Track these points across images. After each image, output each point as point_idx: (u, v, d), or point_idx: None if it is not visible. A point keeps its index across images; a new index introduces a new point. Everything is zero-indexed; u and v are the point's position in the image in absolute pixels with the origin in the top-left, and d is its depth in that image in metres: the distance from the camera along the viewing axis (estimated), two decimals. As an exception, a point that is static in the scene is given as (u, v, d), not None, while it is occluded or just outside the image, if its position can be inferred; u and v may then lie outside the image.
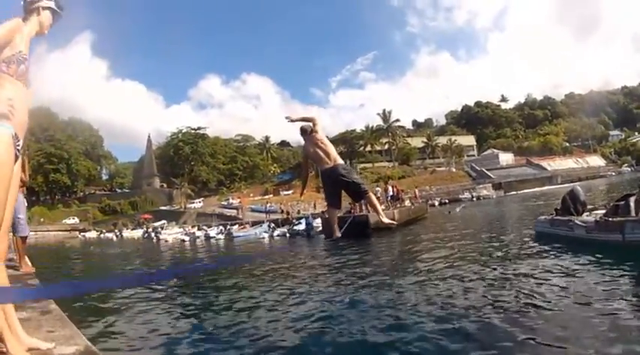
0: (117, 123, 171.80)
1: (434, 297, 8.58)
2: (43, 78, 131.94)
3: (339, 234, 5.89)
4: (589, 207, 13.88)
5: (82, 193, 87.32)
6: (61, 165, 78.11)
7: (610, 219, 10.80)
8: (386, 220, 5.80)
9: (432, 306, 7.95)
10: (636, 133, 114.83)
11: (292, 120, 5.65)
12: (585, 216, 12.80)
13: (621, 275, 8.15)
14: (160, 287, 11.68)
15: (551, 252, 11.43)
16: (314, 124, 5.55)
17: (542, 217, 14.81)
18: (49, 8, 2.63)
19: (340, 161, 5.43)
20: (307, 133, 5.51)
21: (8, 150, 2.16)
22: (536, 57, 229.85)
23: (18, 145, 2.21)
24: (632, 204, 10.78)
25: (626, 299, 6.80)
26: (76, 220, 69.16)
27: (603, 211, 12.36)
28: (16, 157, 2.21)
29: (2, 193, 2.14)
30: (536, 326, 6.23)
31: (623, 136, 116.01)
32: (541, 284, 8.48)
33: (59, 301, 3.66)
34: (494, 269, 10.65)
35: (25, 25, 2.48)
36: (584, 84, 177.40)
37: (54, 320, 3.04)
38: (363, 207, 24.99)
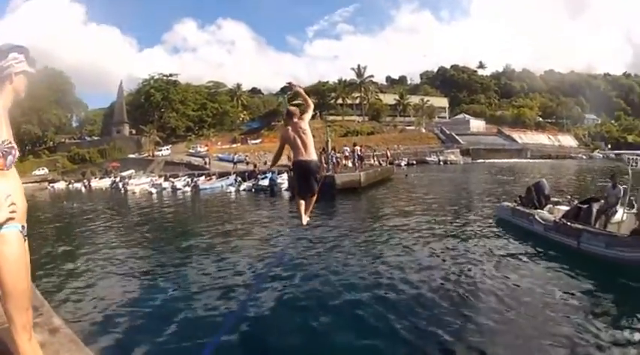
0: (90, 69, 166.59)
1: (381, 267, 9.33)
2: (21, 25, 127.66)
3: (305, 221, 5.90)
4: (553, 199, 13.94)
5: (51, 143, 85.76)
6: (32, 116, 76.26)
7: (569, 223, 10.70)
8: (305, 222, 5.90)
9: (375, 276, 8.68)
10: (612, 121, 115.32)
11: (293, 87, 5.96)
12: (548, 209, 12.95)
13: (567, 282, 8.24)
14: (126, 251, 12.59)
15: (507, 243, 11.63)
16: (306, 112, 5.62)
17: (505, 204, 14.78)
18: (22, 71, 2.42)
19: (315, 157, 5.57)
20: (293, 118, 5.55)
21: (20, 248, 2.22)
22: (520, 28, 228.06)
23: (25, 233, 2.26)
24: (594, 212, 10.76)
25: (561, 305, 7.08)
26: (46, 171, 68.32)
27: (566, 207, 12.40)
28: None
29: (24, 283, 2.24)
30: (466, 313, 6.67)
31: (599, 121, 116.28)
32: (487, 272, 8.80)
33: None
34: (448, 247, 11.08)
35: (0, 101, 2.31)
36: (567, 64, 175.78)
37: (68, 343, 2.93)
38: (330, 168, 25.80)
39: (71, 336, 3.07)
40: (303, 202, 5.83)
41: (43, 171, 67.54)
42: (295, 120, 5.50)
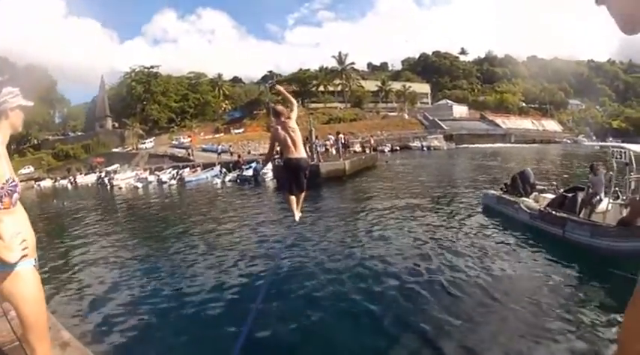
0: (71, 64, 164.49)
1: (367, 259, 9.44)
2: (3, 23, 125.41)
3: (298, 216, 6.12)
4: (539, 187, 14.06)
5: (36, 140, 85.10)
6: (15, 116, 74.50)
7: (554, 212, 10.82)
8: (297, 217, 6.14)
9: (362, 268, 8.81)
10: (597, 107, 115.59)
11: (277, 88, 6.29)
12: (533, 197, 13.10)
13: (552, 270, 8.37)
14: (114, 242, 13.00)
15: (492, 231, 11.70)
16: (291, 110, 5.87)
17: (490, 192, 14.77)
18: (18, 106, 2.43)
19: (304, 154, 5.86)
20: (281, 117, 5.76)
21: (37, 282, 2.33)
22: (503, 14, 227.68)
23: (37, 265, 2.37)
24: (579, 201, 10.84)
25: (546, 294, 7.21)
26: (31, 169, 67.93)
27: (551, 195, 12.52)
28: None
29: (44, 315, 2.39)
30: (449, 304, 6.82)
31: (583, 107, 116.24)
32: (472, 262, 8.91)
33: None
34: (434, 237, 11.12)
35: None
36: (551, 50, 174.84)
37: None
38: (314, 156, 26.16)
39: (82, 349, 3.22)
40: (293, 198, 6.03)
41: (28, 169, 67.18)
42: (283, 119, 5.72)
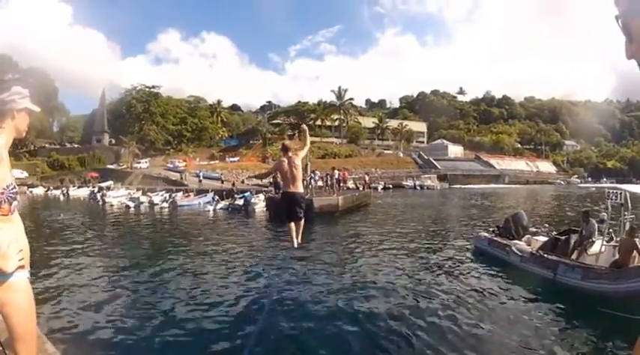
0: (72, 71, 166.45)
1: (357, 300, 9.31)
2: (6, 20, 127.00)
3: (296, 244, 6.75)
4: (531, 229, 14.07)
5: (32, 146, 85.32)
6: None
7: (545, 254, 10.84)
8: (296, 244, 6.77)
9: (352, 310, 8.68)
10: (592, 148, 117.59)
11: (303, 127, 6.91)
12: (526, 239, 13.13)
13: (543, 314, 8.42)
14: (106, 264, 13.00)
15: (483, 274, 11.71)
16: (301, 149, 6.72)
17: (482, 234, 14.64)
18: (25, 109, 2.36)
19: (301, 189, 6.61)
20: (288, 152, 6.47)
21: (29, 294, 2.33)
22: (503, 55, 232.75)
23: (29, 276, 2.36)
24: (571, 243, 10.89)
25: (535, 335, 7.31)
26: (26, 174, 68.08)
27: (544, 238, 12.53)
28: None
29: (33, 327, 2.40)
30: (436, 346, 6.83)
31: (579, 147, 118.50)
32: (461, 304, 8.90)
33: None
34: (424, 279, 11.14)
35: (2, 140, 2.23)
36: (548, 90, 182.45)
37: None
38: (307, 191, 26.48)
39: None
40: (293, 226, 6.69)
41: (23, 174, 67.25)
42: (290, 154, 6.45)
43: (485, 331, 7.47)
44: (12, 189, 2.22)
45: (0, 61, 77.92)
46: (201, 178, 49.97)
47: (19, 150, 78.89)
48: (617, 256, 9.74)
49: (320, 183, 32.82)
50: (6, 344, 2.36)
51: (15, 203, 2.24)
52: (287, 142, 6.88)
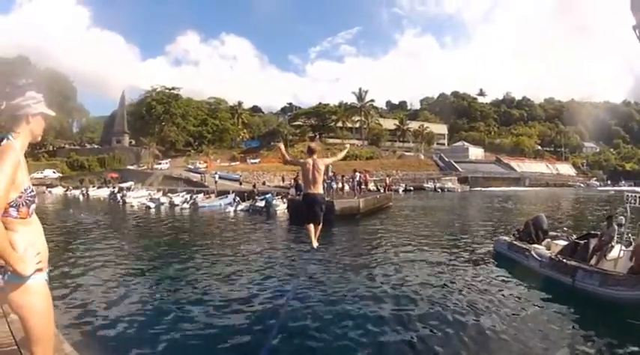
0: (91, 72, 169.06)
1: (377, 302, 9.22)
2: (25, 23, 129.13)
3: (315, 245, 6.66)
4: (551, 233, 13.84)
5: (51, 147, 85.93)
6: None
7: (564, 260, 10.74)
8: (315, 245, 6.65)
9: (372, 311, 8.64)
10: (611, 150, 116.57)
11: (346, 146, 7.78)
12: (546, 243, 13.03)
13: (559, 318, 8.41)
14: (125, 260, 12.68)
15: (502, 277, 11.63)
16: (331, 158, 7.26)
17: (503, 238, 14.61)
18: (40, 113, 2.38)
19: (321, 191, 6.53)
20: (313, 154, 6.43)
21: (47, 296, 2.31)
22: (522, 56, 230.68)
23: (47, 278, 2.34)
24: (590, 248, 10.81)
25: (554, 343, 7.22)
26: (58, 174, 69.36)
27: (564, 242, 12.40)
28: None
29: (51, 329, 2.37)
30: (455, 350, 6.83)
31: (598, 150, 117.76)
32: (478, 308, 8.84)
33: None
34: (444, 284, 10.93)
35: (18, 144, 2.26)
36: (567, 91, 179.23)
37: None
38: (329, 193, 25.79)
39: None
40: (311, 227, 6.56)
41: (55, 174, 68.56)
42: (315, 156, 6.41)
43: (502, 338, 7.36)
44: (30, 192, 2.23)
45: (17, 62, 78.65)
46: (216, 179, 49.38)
47: (37, 151, 79.65)
48: (633, 262, 9.57)
49: (347, 188, 31.84)
50: (21, 344, 2.46)
51: (33, 206, 2.26)
52: (313, 144, 7.15)
